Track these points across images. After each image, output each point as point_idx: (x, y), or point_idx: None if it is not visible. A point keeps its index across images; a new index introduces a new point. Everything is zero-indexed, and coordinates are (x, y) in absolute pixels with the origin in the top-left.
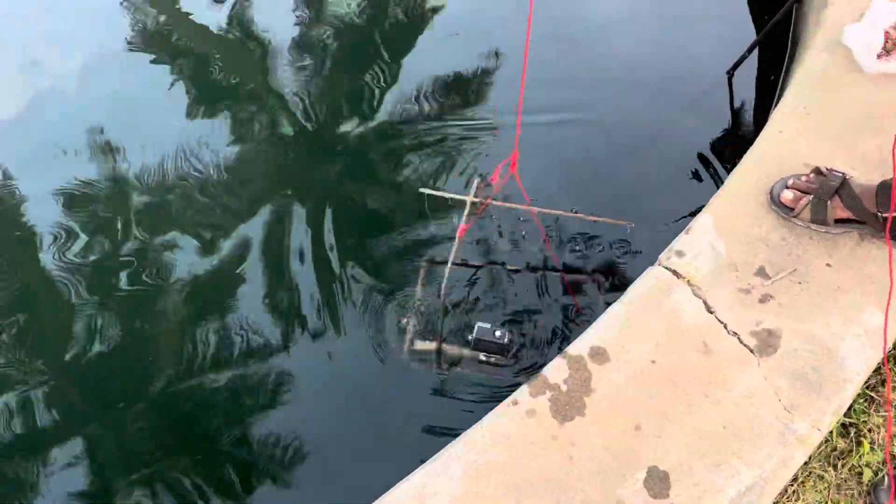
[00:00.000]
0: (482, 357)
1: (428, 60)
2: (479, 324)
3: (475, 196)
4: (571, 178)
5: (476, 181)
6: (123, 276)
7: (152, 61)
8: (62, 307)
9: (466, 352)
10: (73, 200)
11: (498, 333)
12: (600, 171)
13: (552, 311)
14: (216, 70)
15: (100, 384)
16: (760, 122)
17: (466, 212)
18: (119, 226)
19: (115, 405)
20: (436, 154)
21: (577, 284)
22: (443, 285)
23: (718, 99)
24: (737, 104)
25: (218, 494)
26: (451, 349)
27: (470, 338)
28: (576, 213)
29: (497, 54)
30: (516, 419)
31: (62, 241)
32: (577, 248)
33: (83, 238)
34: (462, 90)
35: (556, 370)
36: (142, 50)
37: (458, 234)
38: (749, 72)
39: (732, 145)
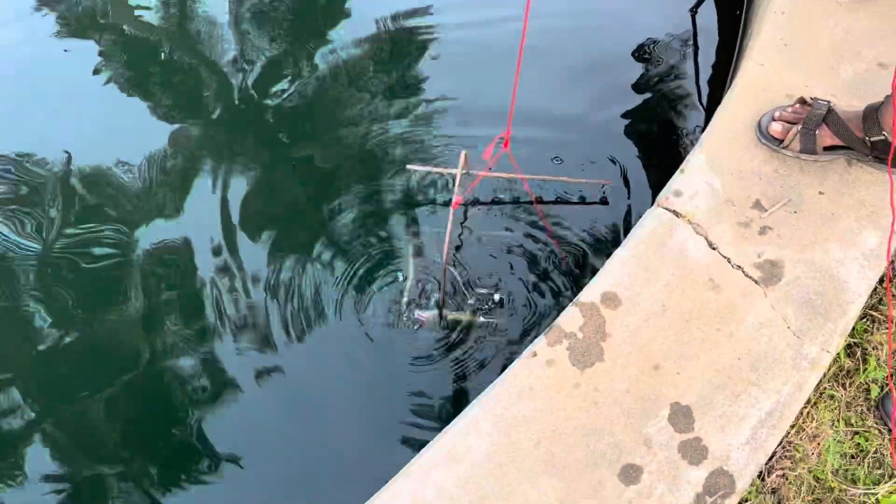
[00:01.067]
0: (482, 319)
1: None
2: (478, 289)
3: (463, 169)
4: (552, 133)
5: (463, 153)
6: (66, 262)
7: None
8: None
9: (466, 315)
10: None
11: (497, 297)
12: (575, 117)
13: (541, 270)
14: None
15: (58, 376)
16: (729, 57)
17: (457, 184)
18: (57, 212)
19: (79, 394)
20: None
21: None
22: (444, 253)
23: (684, 35)
24: (702, 40)
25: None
26: (452, 314)
27: (469, 302)
28: (559, 178)
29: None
30: (537, 370)
31: None
32: (563, 210)
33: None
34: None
35: (570, 319)
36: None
37: (452, 206)
38: (712, 7)
39: (709, 83)
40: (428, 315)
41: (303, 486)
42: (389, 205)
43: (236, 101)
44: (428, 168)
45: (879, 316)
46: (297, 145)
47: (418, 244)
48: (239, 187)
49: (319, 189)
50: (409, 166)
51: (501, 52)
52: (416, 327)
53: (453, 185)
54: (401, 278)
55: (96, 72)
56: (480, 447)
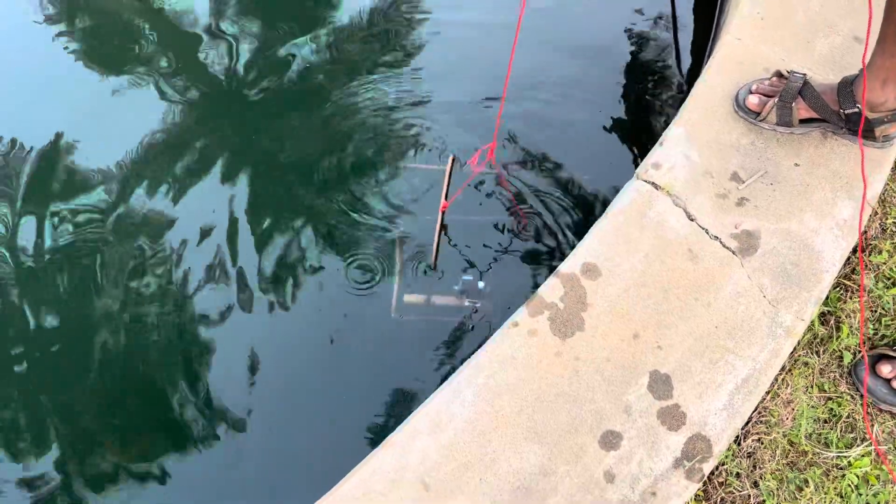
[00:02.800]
0: (467, 302)
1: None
2: (464, 276)
3: (450, 172)
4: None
5: (451, 157)
6: (58, 246)
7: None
8: None
9: (453, 299)
10: None
11: (481, 284)
12: (556, 91)
13: (520, 256)
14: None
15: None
16: (708, 32)
17: (445, 187)
18: (45, 193)
19: (63, 378)
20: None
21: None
22: (433, 253)
23: (663, 11)
24: (681, 15)
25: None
26: (439, 299)
27: (455, 288)
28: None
29: None
30: (519, 340)
31: None
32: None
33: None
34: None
35: (551, 289)
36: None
37: (440, 210)
38: None
39: (689, 57)
40: (416, 298)
41: (288, 457)
42: (379, 199)
43: (230, 85)
44: (417, 166)
45: (852, 285)
46: (276, 132)
47: (405, 237)
48: (232, 172)
49: (305, 177)
50: (408, 165)
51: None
52: (405, 314)
53: (443, 186)
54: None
55: (76, 52)
56: (464, 415)
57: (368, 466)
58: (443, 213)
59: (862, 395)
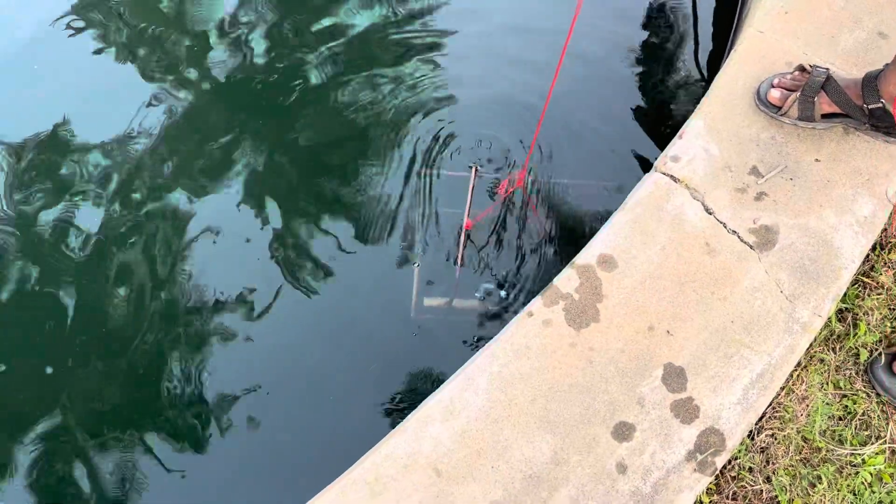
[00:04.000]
0: (488, 307)
1: None
2: (485, 285)
3: (473, 185)
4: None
5: (474, 168)
6: (77, 230)
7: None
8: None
9: (474, 304)
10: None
11: (503, 293)
12: (579, 90)
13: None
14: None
15: (64, 331)
16: (729, 24)
17: (468, 205)
18: (68, 179)
19: (78, 352)
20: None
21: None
22: (457, 270)
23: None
24: (702, 8)
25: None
26: (461, 303)
27: (476, 295)
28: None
29: None
30: (534, 330)
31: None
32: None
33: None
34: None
35: (566, 280)
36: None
37: (464, 228)
38: None
39: (709, 50)
40: (437, 301)
41: (302, 440)
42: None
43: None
44: (449, 173)
45: (871, 282)
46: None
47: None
48: (253, 160)
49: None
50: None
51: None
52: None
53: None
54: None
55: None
56: (477, 403)
57: (381, 451)
58: (467, 231)
59: (878, 394)
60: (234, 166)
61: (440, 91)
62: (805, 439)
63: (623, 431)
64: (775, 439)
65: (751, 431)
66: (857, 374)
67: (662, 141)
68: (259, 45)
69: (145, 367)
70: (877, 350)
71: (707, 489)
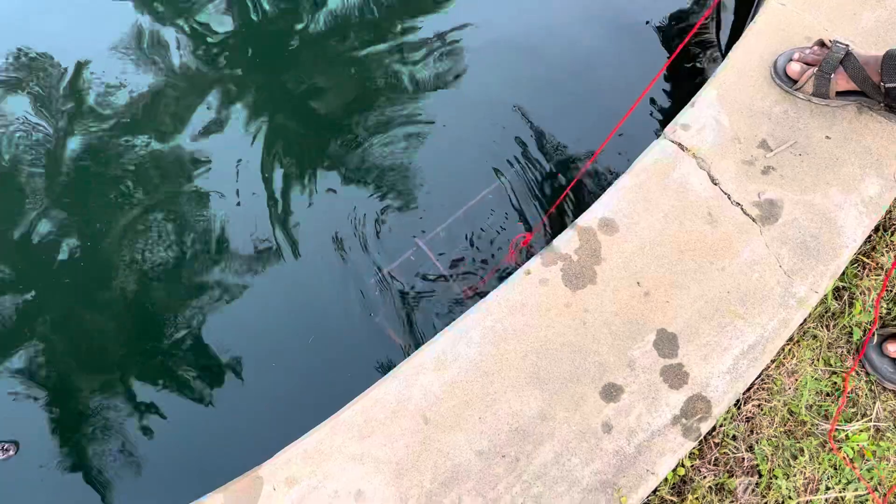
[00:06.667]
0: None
1: None
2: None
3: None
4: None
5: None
6: (76, 178)
7: None
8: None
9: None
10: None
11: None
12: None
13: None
14: None
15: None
16: None
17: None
18: (68, 130)
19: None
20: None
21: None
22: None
23: None
24: None
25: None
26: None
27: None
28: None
29: None
30: (530, 288)
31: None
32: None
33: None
34: None
35: (566, 241)
36: None
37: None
38: None
39: (731, 23)
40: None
41: (297, 385)
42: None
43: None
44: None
45: (871, 263)
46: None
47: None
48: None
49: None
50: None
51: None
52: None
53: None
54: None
55: None
56: (469, 355)
57: (371, 395)
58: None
59: (868, 373)
60: (238, 118)
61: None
62: (791, 412)
63: (611, 392)
64: (761, 410)
65: (738, 401)
66: (848, 352)
67: (674, 108)
68: None
69: (137, 317)
70: (870, 329)
71: (690, 454)
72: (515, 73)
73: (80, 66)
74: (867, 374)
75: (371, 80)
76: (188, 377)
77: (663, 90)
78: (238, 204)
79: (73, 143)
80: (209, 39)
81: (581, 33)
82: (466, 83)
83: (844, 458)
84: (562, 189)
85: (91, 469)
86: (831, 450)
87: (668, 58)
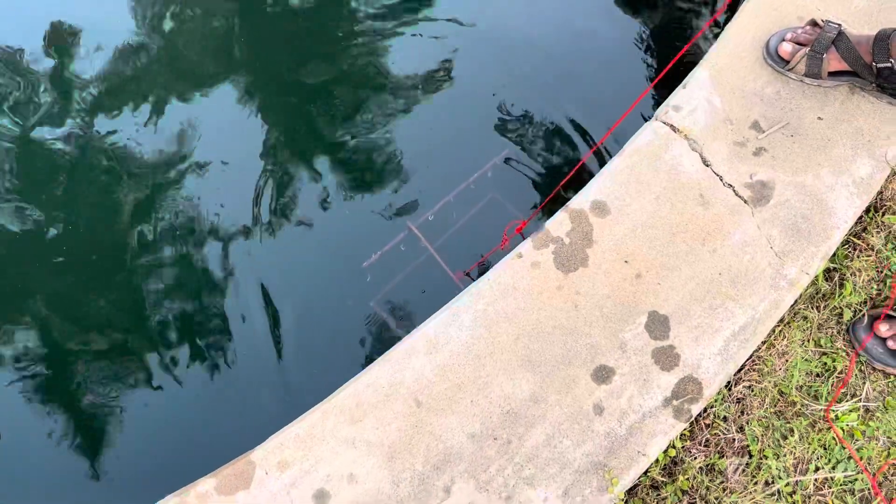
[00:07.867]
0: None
1: None
2: None
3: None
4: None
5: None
6: (73, 156)
7: None
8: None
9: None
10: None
11: None
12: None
13: None
14: None
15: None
16: None
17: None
18: (63, 104)
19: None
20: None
21: None
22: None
23: None
24: None
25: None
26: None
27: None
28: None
29: None
30: (521, 271)
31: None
32: None
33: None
34: None
35: (558, 224)
36: None
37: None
38: None
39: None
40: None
41: (289, 370)
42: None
43: None
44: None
45: (862, 244)
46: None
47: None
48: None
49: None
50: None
51: None
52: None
53: None
54: None
55: None
56: (461, 338)
57: (363, 379)
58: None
59: (857, 353)
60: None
61: None
62: (781, 393)
63: (603, 374)
64: (752, 391)
65: (729, 382)
66: (838, 333)
67: (665, 90)
68: None
69: (130, 298)
70: (860, 312)
71: (681, 435)
72: (511, 61)
73: (57, 48)
74: (857, 354)
75: (363, 63)
76: (178, 362)
77: (655, 72)
78: (226, 186)
79: (47, 128)
80: (197, 21)
81: (585, 23)
82: (460, 69)
83: (839, 435)
84: (559, 178)
85: (80, 455)
86: (829, 428)
87: (673, 58)
